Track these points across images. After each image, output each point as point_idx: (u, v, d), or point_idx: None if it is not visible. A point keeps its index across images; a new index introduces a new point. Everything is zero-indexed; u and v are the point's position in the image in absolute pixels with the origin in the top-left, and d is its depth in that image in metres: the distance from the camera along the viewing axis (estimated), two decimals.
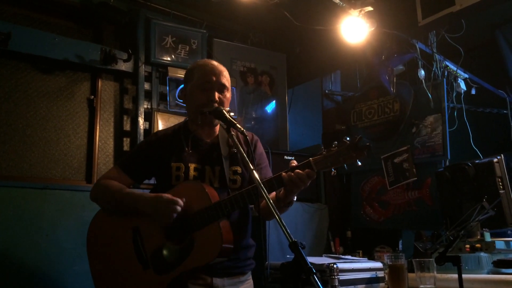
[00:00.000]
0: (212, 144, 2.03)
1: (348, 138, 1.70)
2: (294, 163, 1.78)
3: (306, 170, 1.73)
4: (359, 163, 1.69)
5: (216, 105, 1.93)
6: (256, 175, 1.63)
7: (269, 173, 2.09)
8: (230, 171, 1.98)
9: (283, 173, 1.75)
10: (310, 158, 1.75)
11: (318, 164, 1.73)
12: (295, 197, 1.85)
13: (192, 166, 1.94)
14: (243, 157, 1.73)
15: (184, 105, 2.17)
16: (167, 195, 1.81)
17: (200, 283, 1.85)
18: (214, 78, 1.96)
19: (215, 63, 2.05)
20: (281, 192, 1.83)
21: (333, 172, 1.76)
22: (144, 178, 2.07)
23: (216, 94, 1.95)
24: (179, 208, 1.78)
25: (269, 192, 1.79)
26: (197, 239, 1.80)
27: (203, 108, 1.93)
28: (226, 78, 2.01)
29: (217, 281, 1.88)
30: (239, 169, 2.00)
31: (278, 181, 1.77)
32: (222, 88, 1.98)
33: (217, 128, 2.07)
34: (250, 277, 2.04)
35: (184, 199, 1.81)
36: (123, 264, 1.90)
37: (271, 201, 1.53)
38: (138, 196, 1.90)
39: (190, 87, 2.00)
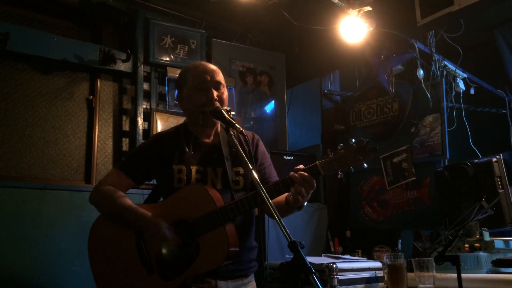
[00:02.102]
0: (213, 145, 2.02)
1: (353, 141, 1.69)
2: (301, 167, 1.77)
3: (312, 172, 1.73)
4: (365, 165, 1.70)
5: (216, 103, 1.93)
6: (255, 175, 1.61)
7: (273, 172, 2.09)
8: (233, 172, 1.97)
9: (289, 175, 1.75)
10: (317, 162, 1.74)
11: (324, 167, 1.72)
12: (306, 202, 1.82)
13: (194, 168, 1.94)
14: (242, 158, 1.73)
15: (182, 110, 2.14)
16: (166, 230, 1.80)
17: (204, 287, 1.84)
18: (208, 78, 1.96)
19: (206, 63, 2.05)
20: (291, 197, 1.81)
21: (339, 175, 1.74)
22: (145, 180, 2.05)
23: (215, 92, 1.95)
24: (170, 245, 1.80)
25: (278, 195, 1.79)
26: (203, 243, 1.79)
27: (204, 108, 1.93)
28: (220, 76, 2.01)
29: (221, 284, 1.87)
30: (241, 169, 1.99)
31: (284, 184, 1.76)
32: (218, 85, 1.98)
33: (218, 128, 2.06)
34: (253, 279, 2.03)
35: (177, 240, 1.82)
36: (127, 269, 1.88)
37: (270, 201, 1.53)
38: (139, 213, 1.87)
39: (186, 91, 1.99)
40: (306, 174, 1.72)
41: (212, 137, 2.05)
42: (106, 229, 1.95)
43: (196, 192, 1.87)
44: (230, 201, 1.82)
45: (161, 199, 2.04)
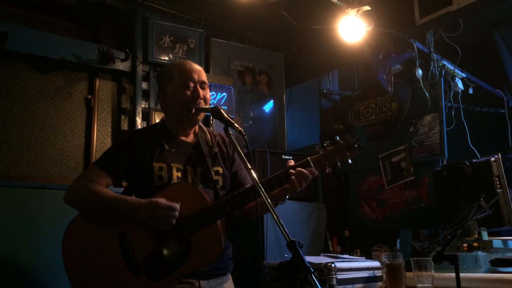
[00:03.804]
0: (193, 145, 2.04)
1: (338, 138, 1.82)
2: (292, 162, 1.83)
3: (308, 168, 1.79)
4: (350, 161, 1.81)
5: (201, 102, 1.97)
6: (254, 174, 1.63)
7: (247, 176, 2.10)
8: (212, 171, 1.99)
9: (283, 171, 1.80)
10: (308, 157, 1.81)
11: (315, 163, 1.81)
12: (287, 196, 1.89)
13: (174, 166, 1.94)
14: (241, 158, 1.74)
15: (162, 107, 2.15)
16: (164, 201, 1.76)
17: None
18: (195, 77, 1.99)
19: (191, 62, 2.07)
20: (276, 190, 1.85)
21: (328, 170, 1.83)
22: (123, 179, 2.03)
23: (201, 92, 1.98)
24: (177, 214, 1.76)
25: (270, 191, 1.82)
26: (194, 241, 1.79)
27: (190, 106, 1.95)
28: (205, 76, 2.05)
29: (204, 283, 1.88)
30: (220, 169, 2.02)
31: (277, 181, 1.80)
32: (203, 85, 2.01)
33: (196, 129, 2.09)
34: (230, 277, 2.06)
35: (179, 202, 1.79)
36: (111, 274, 1.80)
37: (269, 201, 1.54)
38: (130, 201, 1.82)
39: (172, 88, 2.00)
40: (303, 170, 1.78)
41: (190, 136, 2.07)
42: (84, 232, 1.87)
43: (186, 190, 1.86)
44: (222, 198, 1.84)
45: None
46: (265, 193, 1.56)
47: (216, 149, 2.05)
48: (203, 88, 2.00)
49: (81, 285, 1.84)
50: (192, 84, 1.97)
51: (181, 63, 2.06)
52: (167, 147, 1.96)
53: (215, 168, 2.01)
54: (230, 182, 2.07)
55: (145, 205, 1.78)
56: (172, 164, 1.93)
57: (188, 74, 1.98)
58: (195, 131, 2.08)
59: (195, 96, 1.96)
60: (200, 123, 2.09)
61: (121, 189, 2.05)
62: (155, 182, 1.89)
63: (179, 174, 1.93)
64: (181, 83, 1.97)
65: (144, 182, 1.92)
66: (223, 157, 2.07)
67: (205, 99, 1.99)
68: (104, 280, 1.81)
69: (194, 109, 1.94)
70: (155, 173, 1.90)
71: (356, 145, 1.78)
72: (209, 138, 2.08)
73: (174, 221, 1.76)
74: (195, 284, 1.85)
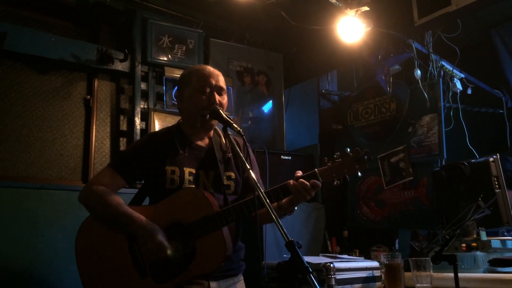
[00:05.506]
0: (206, 149, 2.04)
1: (349, 150, 1.79)
2: (299, 173, 1.83)
3: (312, 180, 1.78)
4: (360, 174, 1.79)
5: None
6: (253, 175, 1.65)
7: (259, 180, 2.09)
8: (224, 176, 1.99)
9: (290, 182, 1.79)
10: (316, 169, 1.80)
11: (323, 175, 1.79)
12: (296, 207, 1.89)
13: (187, 170, 1.94)
14: (242, 160, 1.74)
15: (178, 109, 2.15)
16: (160, 238, 1.79)
17: None
18: (213, 82, 1.98)
19: (211, 67, 2.07)
20: (284, 200, 1.86)
21: (336, 183, 1.81)
22: (137, 180, 2.05)
23: (217, 97, 1.97)
24: (164, 256, 1.79)
25: (276, 201, 1.83)
26: (199, 246, 1.80)
27: (204, 111, 1.94)
28: (223, 82, 2.03)
29: (213, 284, 1.88)
30: (232, 174, 2.02)
31: (283, 191, 1.80)
32: (220, 91, 2.00)
33: (211, 133, 2.08)
34: (242, 278, 2.06)
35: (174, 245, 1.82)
36: (118, 272, 1.85)
37: (270, 204, 1.55)
38: (134, 219, 1.84)
39: (188, 91, 2.00)
40: (305, 181, 1.77)
41: (205, 140, 2.06)
42: (96, 231, 1.92)
43: (193, 195, 1.87)
44: (228, 205, 1.85)
45: (148, 199, 2.03)
46: (267, 200, 1.56)
47: (230, 154, 2.05)
48: (220, 94, 1.99)
49: (89, 281, 1.88)
50: (208, 90, 1.96)
51: (201, 68, 2.05)
52: (180, 151, 1.96)
53: (228, 173, 2.01)
54: (242, 186, 2.06)
55: (145, 228, 1.81)
56: (184, 168, 1.94)
57: (205, 79, 1.98)
58: (210, 135, 2.08)
59: (211, 101, 1.95)
60: (216, 127, 2.08)
61: (135, 190, 2.08)
62: (167, 185, 1.91)
63: (191, 178, 1.93)
64: (198, 87, 1.97)
65: (156, 185, 1.93)
66: (236, 162, 2.06)
67: (220, 105, 1.97)
68: (111, 278, 1.86)
69: (207, 115, 1.93)
70: (168, 176, 1.91)
71: (366, 157, 1.76)
72: (224, 142, 2.07)
73: (155, 259, 1.81)
74: (205, 284, 1.86)
